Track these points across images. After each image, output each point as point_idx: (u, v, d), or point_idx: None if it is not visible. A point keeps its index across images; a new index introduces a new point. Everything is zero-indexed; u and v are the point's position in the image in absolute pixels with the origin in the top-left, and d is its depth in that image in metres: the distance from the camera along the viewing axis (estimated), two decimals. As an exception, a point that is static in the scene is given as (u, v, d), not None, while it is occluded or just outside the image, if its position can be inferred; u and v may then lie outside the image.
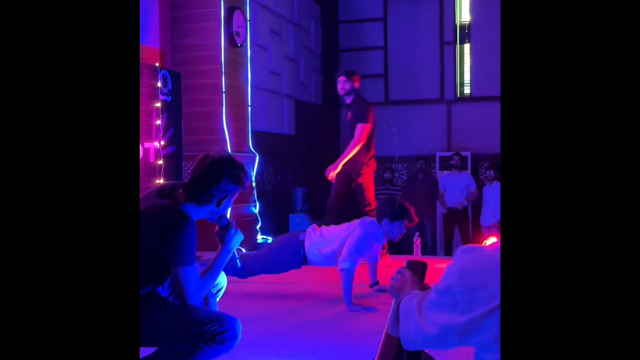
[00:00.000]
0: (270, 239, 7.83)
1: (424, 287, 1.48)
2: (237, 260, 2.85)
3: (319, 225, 4.65)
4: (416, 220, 4.51)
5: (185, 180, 2.55)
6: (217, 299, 2.86)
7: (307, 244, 4.47)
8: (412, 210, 4.43)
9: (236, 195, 2.55)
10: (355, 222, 4.53)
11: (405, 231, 4.58)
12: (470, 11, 10.67)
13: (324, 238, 4.47)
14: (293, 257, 4.50)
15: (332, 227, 4.60)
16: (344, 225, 4.55)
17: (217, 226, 2.61)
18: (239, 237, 2.60)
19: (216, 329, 2.36)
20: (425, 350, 1.49)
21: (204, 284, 2.47)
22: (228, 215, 2.86)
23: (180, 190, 2.49)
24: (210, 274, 2.51)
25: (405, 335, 1.35)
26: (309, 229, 4.60)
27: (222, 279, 2.89)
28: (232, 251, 2.60)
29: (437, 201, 8.90)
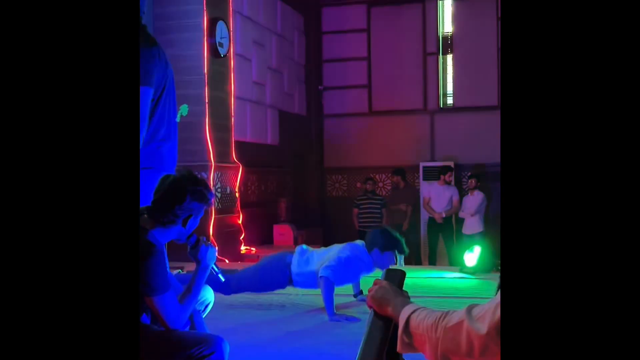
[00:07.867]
0: (254, 249, 7.81)
1: (405, 296, 1.48)
2: (220, 275, 2.82)
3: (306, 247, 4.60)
4: (407, 250, 4.50)
5: (149, 204, 2.50)
6: (205, 315, 2.83)
7: (294, 264, 4.44)
8: (403, 240, 4.42)
9: (202, 213, 2.51)
10: (347, 245, 4.50)
11: (395, 262, 4.57)
12: (452, 22, 10.75)
13: (311, 259, 4.44)
14: (279, 277, 4.47)
15: (321, 249, 4.59)
16: (334, 247, 4.52)
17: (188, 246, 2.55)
18: (212, 251, 2.54)
19: (202, 351, 2.33)
20: (403, 357, 1.48)
21: (184, 307, 2.44)
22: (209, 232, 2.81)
23: (145, 216, 2.45)
24: (190, 295, 2.47)
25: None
26: (298, 249, 4.56)
27: (210, 295, 2.84)
28: (209, 267, 2.55)
29: (422, 210, 8.91)
